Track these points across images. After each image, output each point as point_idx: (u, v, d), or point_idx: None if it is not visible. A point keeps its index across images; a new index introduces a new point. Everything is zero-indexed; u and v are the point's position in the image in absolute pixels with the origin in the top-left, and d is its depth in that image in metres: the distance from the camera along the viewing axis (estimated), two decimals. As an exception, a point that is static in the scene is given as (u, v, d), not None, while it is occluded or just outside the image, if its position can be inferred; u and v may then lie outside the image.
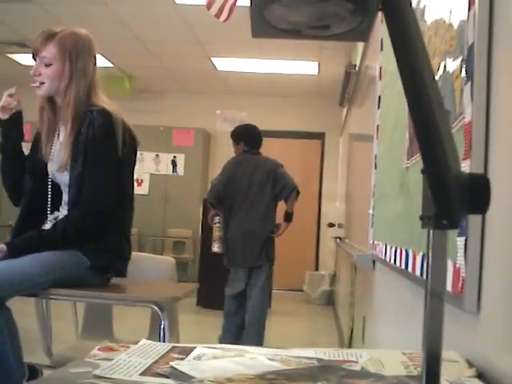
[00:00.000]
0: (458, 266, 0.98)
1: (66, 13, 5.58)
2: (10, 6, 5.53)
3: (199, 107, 8.78)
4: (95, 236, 2.10)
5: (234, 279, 4.42)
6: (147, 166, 8.53)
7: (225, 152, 7.14)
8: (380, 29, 2.42)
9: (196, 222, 7.75)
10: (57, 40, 2.10)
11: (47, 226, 2.17)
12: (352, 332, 3.86)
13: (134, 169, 2.24)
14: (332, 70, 7.08)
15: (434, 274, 0.66)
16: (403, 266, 1.55)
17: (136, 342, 0.96)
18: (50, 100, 2.18)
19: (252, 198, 4.33)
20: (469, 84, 0.98)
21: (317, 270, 8.57)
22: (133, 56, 7.19)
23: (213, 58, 7.17)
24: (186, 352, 0.92)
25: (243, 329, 4.34)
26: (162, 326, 1.97)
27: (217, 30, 5.58)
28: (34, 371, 2.10)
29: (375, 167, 2.49)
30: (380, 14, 0.64)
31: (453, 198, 0.63)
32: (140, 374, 0.80)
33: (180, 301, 2.10)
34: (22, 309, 2.16)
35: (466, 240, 0.96)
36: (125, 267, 2.21)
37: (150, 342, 0.97)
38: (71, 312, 2.58)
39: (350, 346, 3.96)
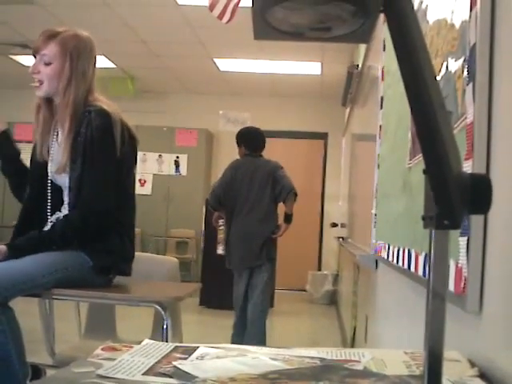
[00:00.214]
0: (460, 265, 0.99)
1: (69, 14, 5.59)
2: (12, 7, 5.54)
3: (202, 108, 8.79)
4: (96, 236, 2.10)
5: (237, 281, 4.50)
6: (150, 167, 8.54)
7: (228, 152, 7.16)
8: (382, 29, 2.43)
9: (199, 222, 7.75)
10: (58, 39, 2.09)
11: (48, 227, 2.16)
12: (355, 331, 3.86)
13: (134, 168, 2.24)
14: (335, 71, 7.08)
15: (436, 274, 0.67)
16: (406, 266, 1.55)
17: (139, 342, 0.96)
18: (48, 99, 2.17)
19: (253, 199, 4.36)
20: (471, 84, 0.98)
21: (319, 269, 8.56)
22: (136, 57, 7.20)
23: (215, 59, 7.17)
24: (189, 352, 0.92)
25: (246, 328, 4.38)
26: (164, 326, 1.98)
27: (219, 31, 5.59)
28: (37, 371, 2.11)
29: (378, 167, 2.49)
30: (382, 15, 0.64)
31: (454, 199, 0.64)
32: (143, 374, 0.80)
33: (183, 301, 2.10)
34: (25, 309, 2.17)
35: (468, 240, 0.96)
36: (129, 267, 2.21)
37: (152, 341, 0.98)
38: (74, 312, 2.58)
39: (352, 345, 3.96)
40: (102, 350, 0.92)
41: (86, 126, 2.06)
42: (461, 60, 1.07)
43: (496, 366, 0.84)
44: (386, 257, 2.02)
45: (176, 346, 0.96)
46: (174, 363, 0.84)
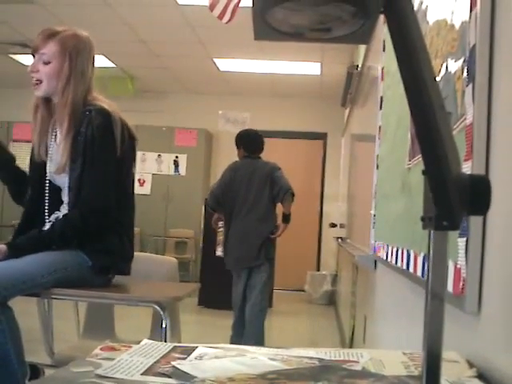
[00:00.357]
0: (458, 266, 0.99)
1: (69, 14, 5.59)
2: (12, 6, 5.54)
3: (201, 108, 8.79)
4: (95, 235, 2.10)
5: (235, 281, 4.52)
6: (149, 166, 8.54)
7: (227, 152, 7.16)
8: (382, 30, 2.43)
9: (198, 222, 7.76)
10: (58, 39, 2.09)
11: (47, 226, 2.16)
12: (353, 332, 3.86)
13: (133, 168, 2.24)
14: (334, 71, 7.09)
15: (435, 275, 0.67)
16: (404, 267, 1.55)
17: (138, 342, 0.96)
18: (46, 99, 2.16)
19: (251, 200, 4.40)
20: (470, 85, 0.98)
21: (318, 270, 8.56)
22: (135, 57, 7.20)
23: (215, 59, 7.17)
24: (188, 352, 0.92)
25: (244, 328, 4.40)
26: (163, 326, 1.98)
27: (219, 31, 5.60)
28: (35, 370, 2.11)
29: (377, 167, 2.49)
30: (382, 16, 0.64)
31: (453, 200, 0.64)
32: (142, 374, 0.80)
33: (181, 301, 2.10)
34: (24, 308, 2.17)
35: (466, 241, 0.96)
36: (128, 266, 2.21)
37: (151, 341, 0.98)
38: (73, 312, 2.58)
39: (351, 345, 3.96)
40: (101, 349, 0.92)
41: (87, 125, 2.06)
42: (460, 61, 1.07)
43: (494, 367, 0.84)
44: (384, 257, 2.03)
45: (175, 346, 0.96)
46: (173, 363, 0.84)
